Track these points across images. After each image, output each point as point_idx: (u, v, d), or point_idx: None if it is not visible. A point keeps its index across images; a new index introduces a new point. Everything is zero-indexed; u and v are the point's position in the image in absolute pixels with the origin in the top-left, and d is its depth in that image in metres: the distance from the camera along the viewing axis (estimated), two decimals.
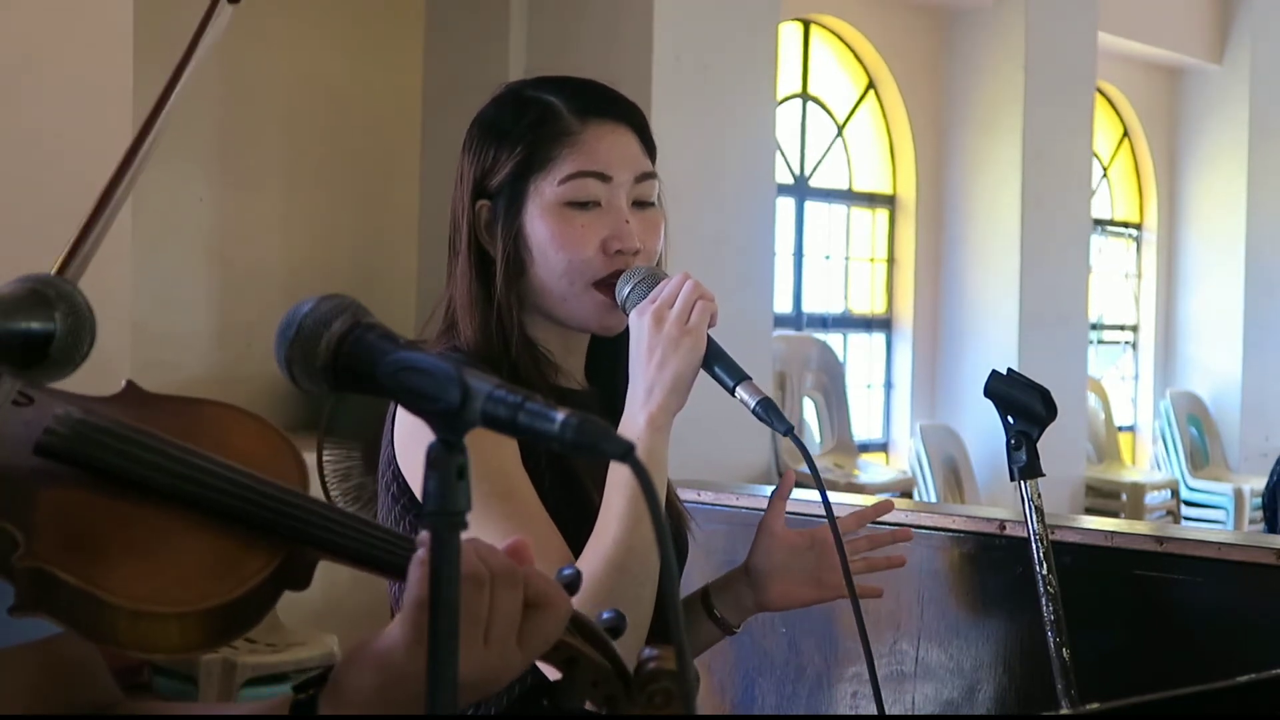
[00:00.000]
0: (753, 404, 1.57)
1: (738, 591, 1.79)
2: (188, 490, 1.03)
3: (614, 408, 1.64)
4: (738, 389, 1.58)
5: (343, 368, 0.98)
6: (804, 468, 6.19)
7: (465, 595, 1.04)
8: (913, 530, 1.87)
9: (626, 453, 0.89)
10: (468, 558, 1.05)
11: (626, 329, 1.62)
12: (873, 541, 1.80)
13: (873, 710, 2.56)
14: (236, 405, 1.16)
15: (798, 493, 1.85)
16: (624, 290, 1.62)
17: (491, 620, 1.05)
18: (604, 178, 1.65)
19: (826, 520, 1.62)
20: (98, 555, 0.99)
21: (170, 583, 1.00)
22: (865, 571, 1.78)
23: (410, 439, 1.60)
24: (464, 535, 0.93)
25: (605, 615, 1.15)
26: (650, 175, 1.69)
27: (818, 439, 7.10)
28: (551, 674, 1.14)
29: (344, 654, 1.10)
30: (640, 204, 1.68)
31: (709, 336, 1.58)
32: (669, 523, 1.72)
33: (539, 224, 1.64)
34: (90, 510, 1.02)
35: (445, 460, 0.91)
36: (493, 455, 1.52)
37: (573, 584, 1.13)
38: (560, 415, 0.90)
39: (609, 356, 1.73)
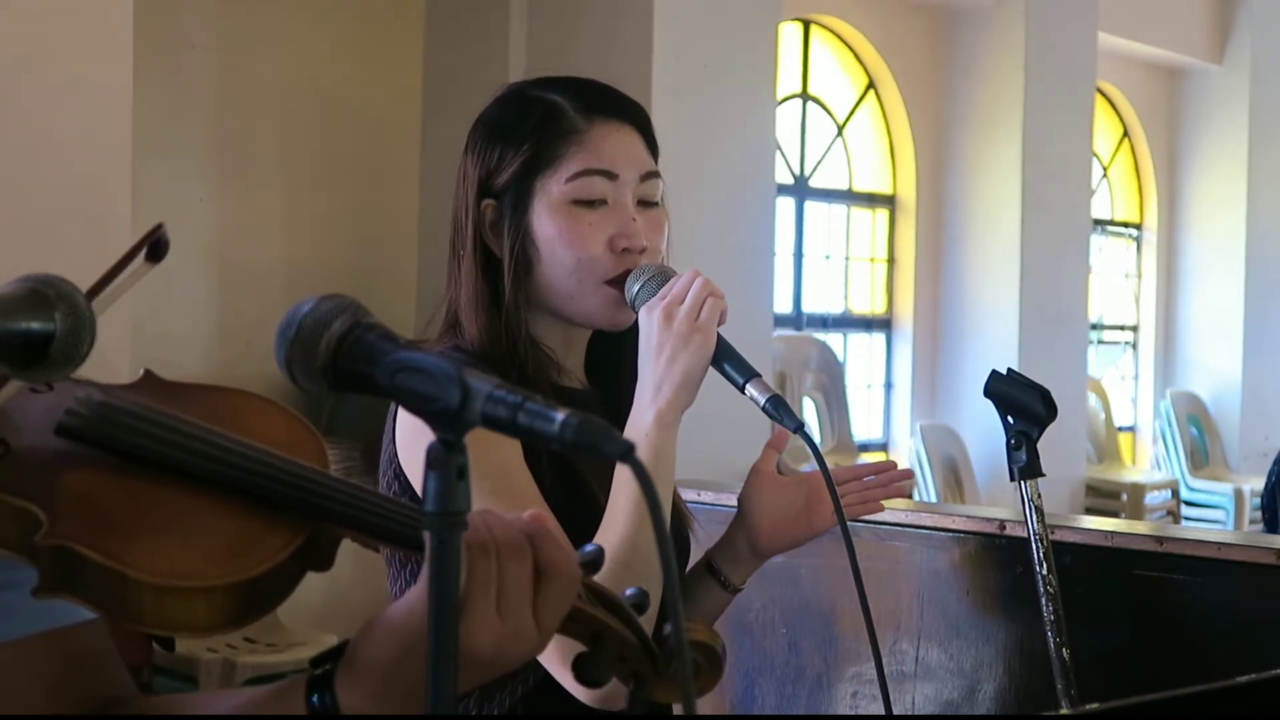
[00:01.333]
0: (763, 401, 1.57)
1: (733, 541, 1.79)
2: (210, 469, 1.03)
3: (615, 407, 1.64)
4: (748, 386, 1.58)
5: (342, 368, 0.98)
6: (805, 467, 6.13)
7: (473, 563, 1.03)
8: (907, 480, 1.86)
9: (626, 453, 0.89)
10: (475, 526, 1.05)
11: (633, 326, 1.63)
12: (866, 486, 1.80)
13: (872, 710, 2.56)
14: (254, 392, 1.16)
15: None
16: (633, 288, 1.62)
17: (502, 589, 1.04)
18: (610, 176, 1.65)
19: (834, 510, 1.62)
20: (122, 533, 0.99)
21: (195, 559, 0.99)
22: (859, 503, 1.78)
23: (412, 438, 1.59)
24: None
25: (630, 591, 1.14)
26: (654, 174, 1.69)
27: (818, 439, 7.11)
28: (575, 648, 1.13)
29: (360, 629, 1.09)
30: (645, 203, 1.68)
31: (719, 334, 1.59)
32: (671, 523, 1.72)
33: (546, 222, 1.64)
34: (113, 490, 1.02)
35: (445, 460, 0.91)
36: (495, 453, 1.52)
37: (594, 562, 1.13)
38: (560, 415, 0.90)
39: (610, 355, 1.74)
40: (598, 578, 1.48)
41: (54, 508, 0.99)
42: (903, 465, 1.88)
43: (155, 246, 1.21)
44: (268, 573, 1.01)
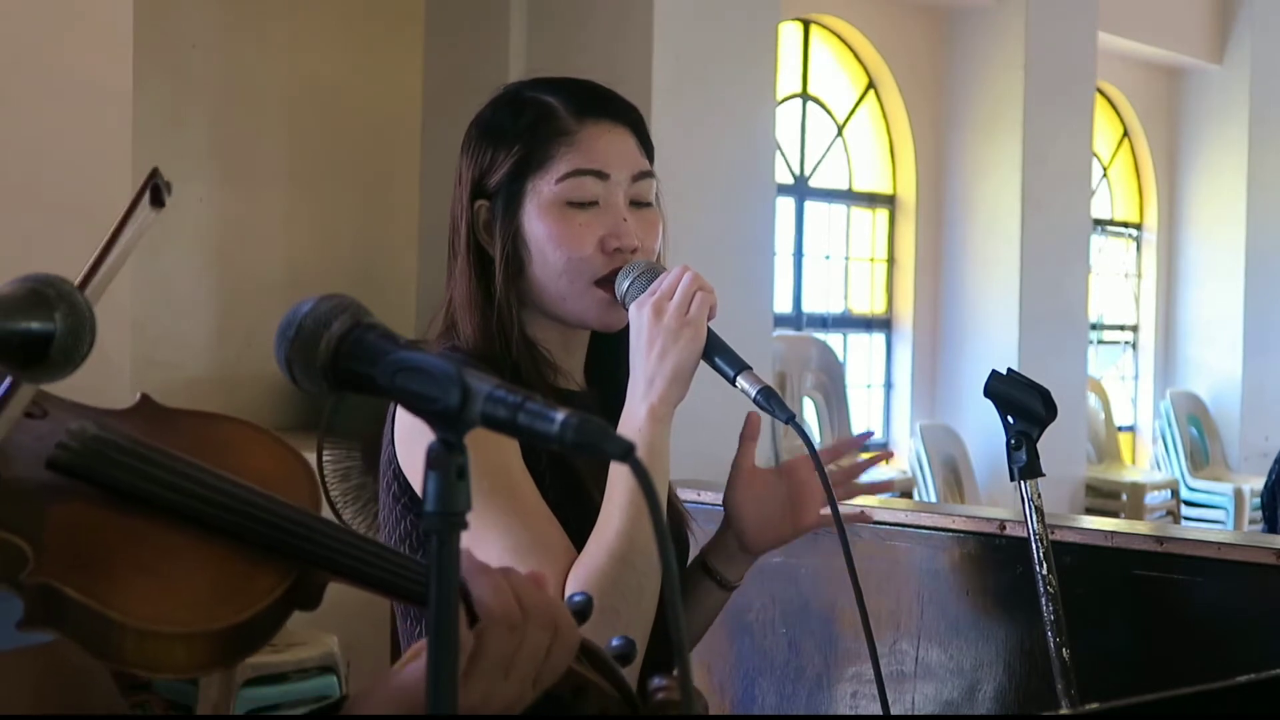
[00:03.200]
0: (754, 393, 1.57)
1: (724, 540, 1.78)
2: (200, 510, 1.02)
3: (613, 409, 1.64)
4: (738, 379, 1.59)
5: (342, 368, 0.98)
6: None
7: (498, 638, 1.04)
8: (891, 452, 1.86)
9: (626, 453, 0.89)
10: (505, 601, 1.05)
11: (627, 326, 1.63)
12: (850, 473, 1.80)
13: (872, 710, 2.56)
14: (252, 422, 1.15)
15: None
16: (623, 284, 1.63)
17: (517, 659, 1.05)
18: (601, 176, 1.65)
19: (825, 499, 1.62)
20: (107, 573, 0.98)
21: (179, 603, 0.99)
22: (846, 497, 1.77)
23: (411, 438, 1.60)
24: (468, 541, 0.92)
25: (615, 643, 1.14)
26: (647, 174, 1.69)
27: (818, 439, 7.10)
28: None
29: (361, 687, 1.08)
30: (638, 203, 1.68)
31: (709, 328, 1.59)
32: (669, 523, 1.72)
33: (537, 223, 1.65)
34: (101, 527, 1.01)
35: (445, 460, 0.91)
36: (495, 452, 1.52)
37: (583, 611, 1.12)
38: (560, 415, 0.90)
39: (609, 357, 1.73)
40: (596, 574, 1.49)
41: (40, 543, 0.98)
42: (903, 465, 1.88)
43: (155, 190, 1.16)
44: (252, 618, 1.00)
